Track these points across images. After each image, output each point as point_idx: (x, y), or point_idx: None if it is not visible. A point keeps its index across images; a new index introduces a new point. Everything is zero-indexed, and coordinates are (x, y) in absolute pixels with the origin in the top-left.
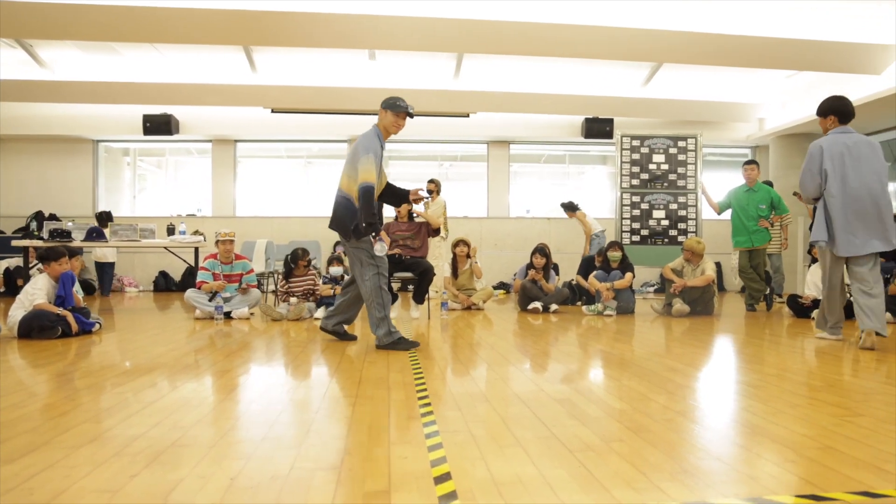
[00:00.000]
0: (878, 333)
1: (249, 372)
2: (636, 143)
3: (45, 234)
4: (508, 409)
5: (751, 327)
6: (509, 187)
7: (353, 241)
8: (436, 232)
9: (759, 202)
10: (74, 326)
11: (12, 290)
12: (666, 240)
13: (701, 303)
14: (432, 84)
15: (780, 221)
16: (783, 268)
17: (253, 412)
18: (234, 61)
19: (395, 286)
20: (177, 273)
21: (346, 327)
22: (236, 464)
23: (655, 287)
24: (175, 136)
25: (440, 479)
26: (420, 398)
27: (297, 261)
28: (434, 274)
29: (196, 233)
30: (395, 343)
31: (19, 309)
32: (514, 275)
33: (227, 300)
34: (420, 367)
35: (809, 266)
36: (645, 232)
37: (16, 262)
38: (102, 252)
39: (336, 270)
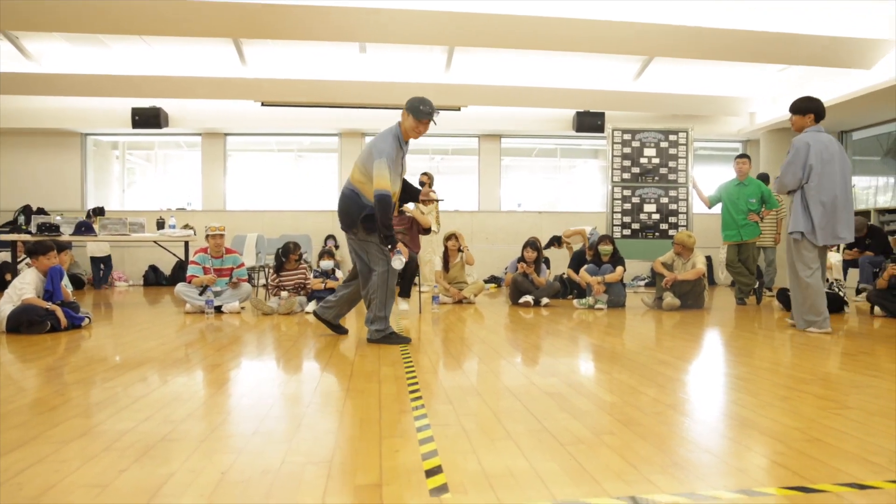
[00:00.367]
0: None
1: (240, 366)
2: (627, 136)
3: (33, 229)
4: (499, 402)
5: (740, 321)
6: (500, 181)
7: (361, 234)
8: (426, 231)
9: (749, 196)
10: (63, 321)
11: (0, 284)
12: (657, 233)
13: (691, 296)
14: (423, 78)
15: (776, 215)
16: (776, 261)
17: (244, 406)
18: (223, 54)
19: None
20: (167, 267)
21: (339, 320)
22: (227, 458)
23: (646, 281)
24: (164, 130)
25: (431, 473)
26: (411, 392)
27: (288, 255)
28: (417, 266)
29: (186, 227)
30: (386, 337)
31: (7, 303)
32: (506, 268)
33: (217, 294)
34: (411, 361)
35: None
36: (636, 226)
37: (3, 256)
38: (98, 247)
39: (327, 264)
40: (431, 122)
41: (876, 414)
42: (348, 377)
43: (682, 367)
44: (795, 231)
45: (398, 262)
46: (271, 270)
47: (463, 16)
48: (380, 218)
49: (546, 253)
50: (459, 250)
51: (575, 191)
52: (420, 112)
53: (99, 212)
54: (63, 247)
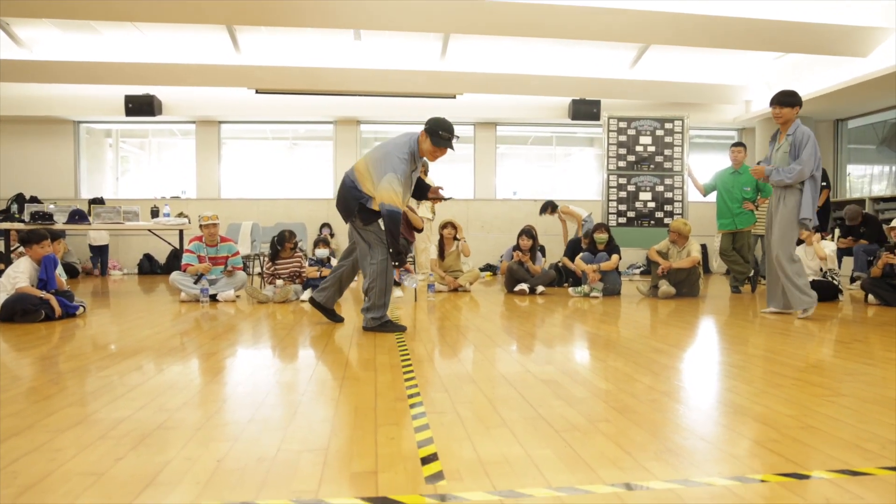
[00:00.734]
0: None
1: (236, 354)
2: (623, 124)
3: (26, 217)
4: (495, 390)
5: (735, 309)
6: (496, 169)
7: (359, 224)
8: (418, 230)
9: (744, 185)
10: (58, 310)
11: None
12: (652, 222)
13: (686, 284)
14: (418, 65)
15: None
16: None
17: (239, 394)
18: (217, 41)
19: None
20: (161, 256)
21: (334, 304)
22: (223, 446)
23: (641, 269)
24: (158, 118)
25: (427, 460)
26: (407, 380)
27: (283, 243)
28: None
29: (180, 215)
30: (382, 326)
31: (1, 292)
32: (501, 257)
33: (212, 283)
34: (407, 350)
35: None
36: (631, 214)
37: None
38: (98, 235)
39: (322, 253)
40: (449, 149)
41: (869, 401)
42: (344, 365)
43: (676, 355)
44: (808, 218)
45: (410, 282)
46: (266, 259)
47: (458, 3)
48: (388, 231)
49: (538, 222)
50: (455, 238)
51: (571, 179)
52: (438, 139)
53: (98, 202)
54: (56, 235)
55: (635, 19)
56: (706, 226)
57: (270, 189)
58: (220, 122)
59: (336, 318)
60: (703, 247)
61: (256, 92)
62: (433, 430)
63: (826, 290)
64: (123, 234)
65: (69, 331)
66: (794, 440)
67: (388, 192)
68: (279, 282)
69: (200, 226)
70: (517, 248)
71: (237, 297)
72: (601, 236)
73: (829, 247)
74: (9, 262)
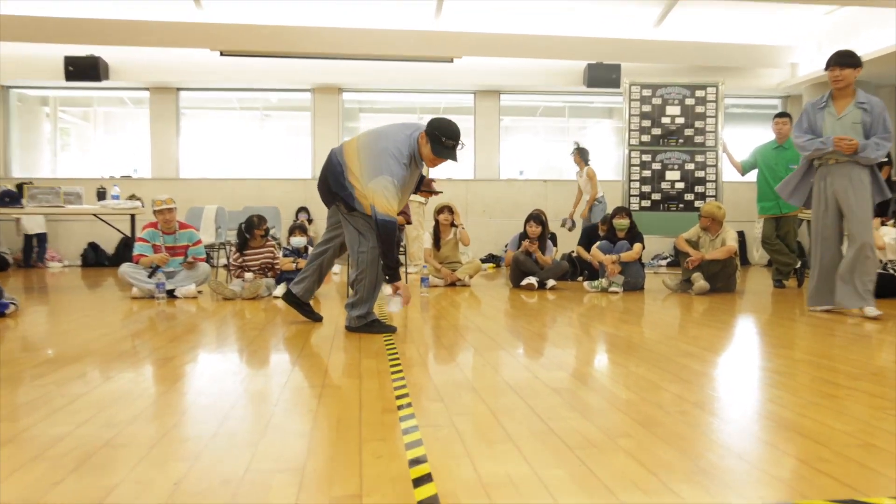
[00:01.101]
0: None
1: (197, 359)
2: (647, 92)
3: None
4: (499, 400)
5: (779, 306)
6: (500, 144)
7: (344, 210)
8: (408, 222)
9: (789, 161)
10: None
11: None
12: (681, 205)
13: (721, 278)
14: (410, 24)
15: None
16: None
17: (201, 406)
18: None
19: None
20: (109, 245)
21: (311, 303)
22: (181, 466)
23: (668, 260)
24: (104, 83)
25: (420, 482)
26: (396, 388)
27: (252, 230)
28: (402, 242)
29: (132, 197)
30: (368, 325)
31: None
32: (506, 246)
33: (169, 276)
34: (397, 353)
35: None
36: (656, 196)
37: None
38: (32, 221)
39: (298, 241)
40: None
41: None
42: (324, 371)
43: (709, 360)
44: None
45: (396, 304)
46: (233, 249)
47: None
48: (382, 242)
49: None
50: (453, 225)
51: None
52: (440, 147)
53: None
54: None
55: None
56: (744, 210)
57: (238, 168)
58: (179, 90)
59: (314, 317)
60: (741, 234)
61: (221, 54)
62: (426, 446)
63: (887, 285)
64: (64, 220)
65: None
66: (850, 461)
67: (381, 199)
68: (248, 275)
69: (154, 211)
70: (524, 235)
71: (199, 292)
72: (622, 222)
73: (889, 234)
74: None
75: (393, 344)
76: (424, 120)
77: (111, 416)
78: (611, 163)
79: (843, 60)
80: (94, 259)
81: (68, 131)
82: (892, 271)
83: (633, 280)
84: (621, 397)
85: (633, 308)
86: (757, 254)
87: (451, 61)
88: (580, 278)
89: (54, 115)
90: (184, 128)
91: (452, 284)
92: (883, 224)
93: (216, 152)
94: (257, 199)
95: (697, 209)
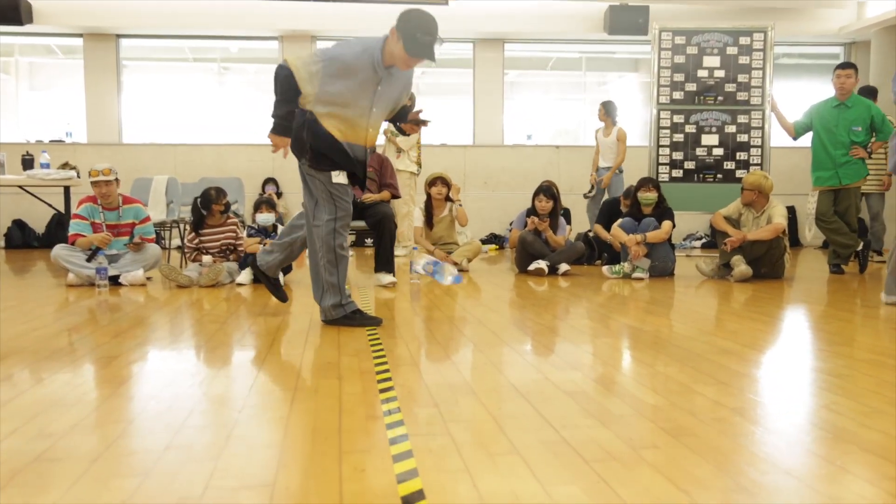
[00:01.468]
0: None
1: (146, 358)
2: (680, 40)
3: None
4: (502, 404)
5: (836, 296)
6: (504, 104)
7: (307, 166)
8: (395, 196)
9: (852, 123)
10: None
11: None
12: (719, 175)
13: (766, 262)
14: None
15: (883, 149)
16: (883, 214)
17: (152, 413)
18: None
19: (350, 238)
20: (39, 223)
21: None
22: (129, 483)
23: (703, 241)
24: (27, 27)
25: (410, 500)
26: (382, 391)
27: (209, 205)
28: (395, 224)
29: (65, 166)
30: (347, 317)
31: None
32: (511, 224)
33: (112, 260)
34: (382, 350)
35: None
36: (690, 165)
37: None
38: None
39: (265, 218)
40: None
41: None
42: (296, 372)
43: (751, 359)
44: None
45: (446, 276)
46: (188, 227)
47: None
48: (277, 95)
49: (561, 177)
50: (448, 199)
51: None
52: (415, 44)
53: None
54: None
55: None
56: (796, 182)
57: (192, 132)
58: (119, 36)
59: (279, 295)
60: (791, 210)
61: None
62: (418, 458)
63: None
64: None
65: None
66: None
67: (293, 58)
68: (206, 258)
69: (91, 183)
70: (532, 212)
71: (148, 279)
72: (648, 196)
73: None
74: None
75: (378, 339)
76: (417, 76)
77: (44, 425)
78: (636, 125)
79: None
80: (21, 240)
81: None
82: None
83: (661, 264)
84: (647, 402)
85: (661, 297)
86: (810, 233)
87: (446, 3)
88: (598, 262)
89: None
90: (126, 83)
91: None
92: None
93: (166, 113)
94: (216, 169)
95: (739, 180)
